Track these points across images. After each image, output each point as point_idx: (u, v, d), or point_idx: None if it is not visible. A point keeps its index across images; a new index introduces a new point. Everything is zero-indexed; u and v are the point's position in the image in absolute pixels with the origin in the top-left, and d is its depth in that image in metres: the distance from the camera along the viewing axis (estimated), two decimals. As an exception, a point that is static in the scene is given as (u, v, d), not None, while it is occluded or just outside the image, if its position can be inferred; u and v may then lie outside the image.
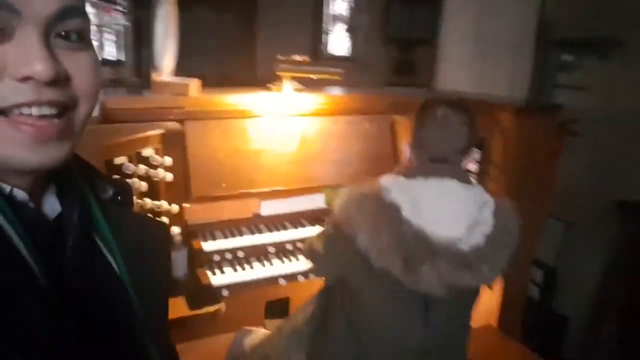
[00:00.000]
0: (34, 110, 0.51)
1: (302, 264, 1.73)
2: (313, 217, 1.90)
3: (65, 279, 0.56)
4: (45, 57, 0.50)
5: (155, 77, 1.77)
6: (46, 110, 0.51)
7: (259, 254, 1.74)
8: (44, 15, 0.51)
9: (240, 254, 1.71)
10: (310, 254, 1.42)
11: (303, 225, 1.85)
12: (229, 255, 1.70)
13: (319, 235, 1.38)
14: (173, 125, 1.64)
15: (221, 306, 1.62)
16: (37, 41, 0.50)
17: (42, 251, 0.54)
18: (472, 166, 1.90)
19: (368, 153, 1.95)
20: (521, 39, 2.50)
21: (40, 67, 0.49)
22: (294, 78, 1.92)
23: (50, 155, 0.53)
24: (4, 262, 0.51)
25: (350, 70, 1.80)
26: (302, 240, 1.77)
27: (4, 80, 0.49)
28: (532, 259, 2.17)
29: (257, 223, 1.82)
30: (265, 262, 1.72)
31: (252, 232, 1.77)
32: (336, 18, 7.48)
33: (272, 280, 1.68)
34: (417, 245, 1.10)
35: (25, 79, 0.49)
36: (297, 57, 1.85)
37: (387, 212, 1.13)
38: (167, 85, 1.74)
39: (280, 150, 1.83)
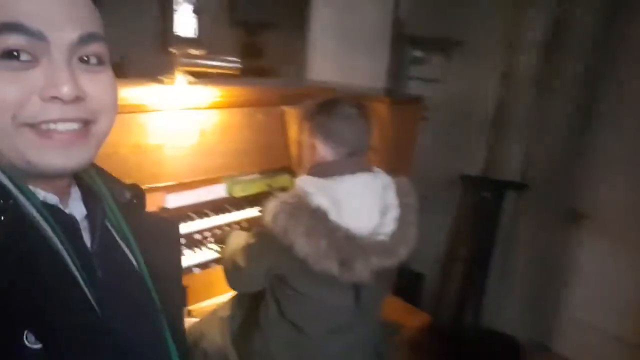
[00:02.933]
0: (60, 126, 0.60)
1: (213, 252, 1.84)
2: (217, 206, 2.00)
3: (92, 273, 0.65)
4: (69, 79, 0.58)
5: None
6: (69, 126, 0.61)
7: (169, 246, 1.80)
8: (67, 42, 0.59)
9: (151, 249, 1.75)
10: (231, 268, 1.49)
11: (208, 215, 1.93)
12: (139, 251, 1.73)
13: (239, 251, 1.46)
14: (73, 122, 1.59)
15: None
16: (62, 65, 0.58)
17: (75, 248, 0.63)
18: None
19: (263, 142, 2.11)
20: (378, 35, 2.86)
21: (65, 89, 0.58)
22: (187, 71, 1.97)
23: (74, 158, 0.62)
24: (46, 258, 0.60)
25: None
26: (209, 230, 1.88)
27: (32, 99, 0.57)
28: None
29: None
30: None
31: (160, 226, 1.81)
32: (182, -1, 7.14)
33: (187, 270, 1.76)
34: (349, 247, 1.27)
35: (52, 99, 0.58)
36: (192, 50, 1.90)
37: (318, 219, 1.27)
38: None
39: (180, 143, 1.87)
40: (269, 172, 2.15)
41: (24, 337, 0.53)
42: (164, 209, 1.86)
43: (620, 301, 2.53)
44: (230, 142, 2.01)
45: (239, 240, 1.63)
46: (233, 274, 1.49)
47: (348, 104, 1.44)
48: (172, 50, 1.89)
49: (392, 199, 1.41)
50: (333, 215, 1.28)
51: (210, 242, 1.84)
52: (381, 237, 1.35)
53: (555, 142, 2.55)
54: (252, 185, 2.08)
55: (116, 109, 0.68)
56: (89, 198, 0.72)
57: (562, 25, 2.41)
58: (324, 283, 1.34)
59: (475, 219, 2.72)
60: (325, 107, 1.44)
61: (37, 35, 0.57)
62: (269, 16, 7.21)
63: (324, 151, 1.42)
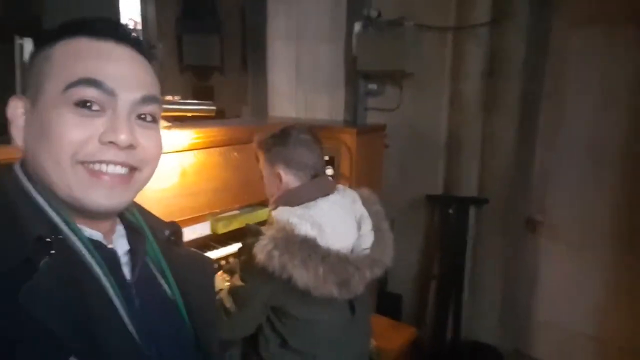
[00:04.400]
0: (110, 168, 0.70)
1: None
2: (201, 244, 2.06)
3: (130, 302, 0.74)
4: (126, 130, 0.69)
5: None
6: (118, 170, 0.71)
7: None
8: (131, 100, 0.71)
9: (144, 289, 1.79)
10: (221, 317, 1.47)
11: (195, 253, 2.00)
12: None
13: (226, 299, 1.46)
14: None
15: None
16: (124, 118, 0.70)
17: (116, 280, 0.71)
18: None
19: (241, 179, 2.21)
20: (334, 71, 3.08)
21: (122, 137, 0.69)
22: (163, 117, 2.07)
23: (115, 199, 0.72)
24: (90, 288, 0.68)
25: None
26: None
27: (92, 141, 0.68)
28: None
29: (153, 257, 1.90)
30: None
31: (151, 267, 1.85)
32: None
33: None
34: (343, 268, 1.34)
35: (109, 143, 0.69)
36: (169, 96, 2.01)
37: (310, 247, 1.31)
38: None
39: (162, 185, 1.95)
40: (248, 207, 2.24)
41: None
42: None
43: (580, 299, 2.74)
44: (210, 181, 2.10)
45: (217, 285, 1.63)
46: (225, 324, 1.47)
47: (300, 131, 1.54)
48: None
49: (362, 210, 1.50)
50: (320, 241, 1.34)
51: None
52: (365, 251, 1.44)
53: (505, 157, 2.79)
54: (233, 221, 2.17)
55: (158, 161, 0.78)
56: (132, 235, 0.81)
57: (497, 54, 2.70)
58: (322, 304, 1.39)
59: (444, 236, 2.89)
60: (281, 137, 1.53)
61: (109, 92, 0.69)
62: (213, 60, 7.52)
63: (288, 178, 1.50)
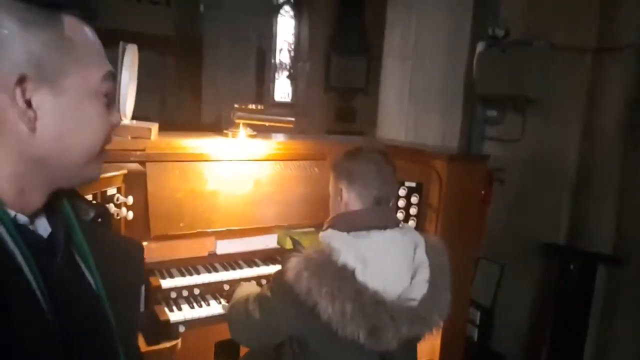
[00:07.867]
0: None
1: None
2: (266, 256, 2.13)
3: (53, 293, 0.69)
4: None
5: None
6: None
7: (214, 291, 1.94)
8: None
9: (197, 291, 1.91)
10: (240, 317, 1.50)
11: (257, 264, 2.07)
12: (185, 292, 1.88)
13: (253, 300, 1.45)
14: (135, 166, 1.86)
15: (177, 342, 1.81)
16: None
17: (40, 268, 0.67)
18: (412, 209, 2.27)
19: (316, 195, 2.25)
20: (450, 95, 2.97)
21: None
22: (247, 124, 2.23)
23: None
24: (8, 278, 0.63)
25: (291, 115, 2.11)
26: (255, 278, 2.02)
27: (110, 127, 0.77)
28: (468, 299, 2.51)
29: (212, 261, 2.02)
30: (221, 299, 1.94)
31: (208, 270, 1.97)
32: (280, 66, 8.20)
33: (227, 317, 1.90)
34: (377, 313, 1.24)
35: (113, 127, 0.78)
36: (252, 105, 2.16)
37: (344, 279, 1.25)
38: (128, 129, 1.97)
39: (235, 192, 2.08)
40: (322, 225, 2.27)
41: None
42: (214, 255, 2.06)
43: None
44: (284, 193, 2.17)
45: (251, 289, 1.67)
46: (241, 323, 1.50)
47: (373, 150, 1.52)
48: (236, 105, 2.16)
49: (422, 258, 1.39)
50: (359, 274, 1.27)
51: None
52: (411, 303, 1.33)
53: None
54: (304, 238, 2.21)
55: None
56: (53, 216, 0.77)
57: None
58: (348, 349, 1.31)
59: (562, 295, 2.57)
60: (351, 153, 1.51)
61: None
62: (359, 81, 8.04)
63: (349, 196, 1.45)
